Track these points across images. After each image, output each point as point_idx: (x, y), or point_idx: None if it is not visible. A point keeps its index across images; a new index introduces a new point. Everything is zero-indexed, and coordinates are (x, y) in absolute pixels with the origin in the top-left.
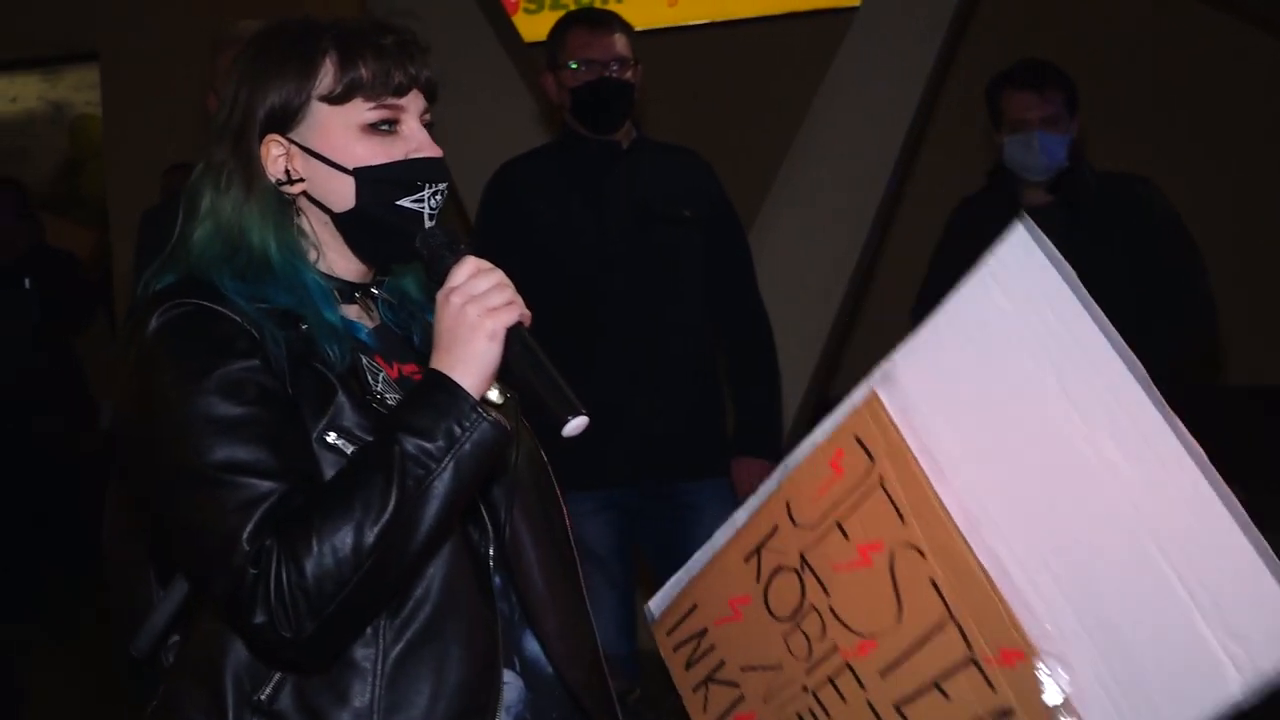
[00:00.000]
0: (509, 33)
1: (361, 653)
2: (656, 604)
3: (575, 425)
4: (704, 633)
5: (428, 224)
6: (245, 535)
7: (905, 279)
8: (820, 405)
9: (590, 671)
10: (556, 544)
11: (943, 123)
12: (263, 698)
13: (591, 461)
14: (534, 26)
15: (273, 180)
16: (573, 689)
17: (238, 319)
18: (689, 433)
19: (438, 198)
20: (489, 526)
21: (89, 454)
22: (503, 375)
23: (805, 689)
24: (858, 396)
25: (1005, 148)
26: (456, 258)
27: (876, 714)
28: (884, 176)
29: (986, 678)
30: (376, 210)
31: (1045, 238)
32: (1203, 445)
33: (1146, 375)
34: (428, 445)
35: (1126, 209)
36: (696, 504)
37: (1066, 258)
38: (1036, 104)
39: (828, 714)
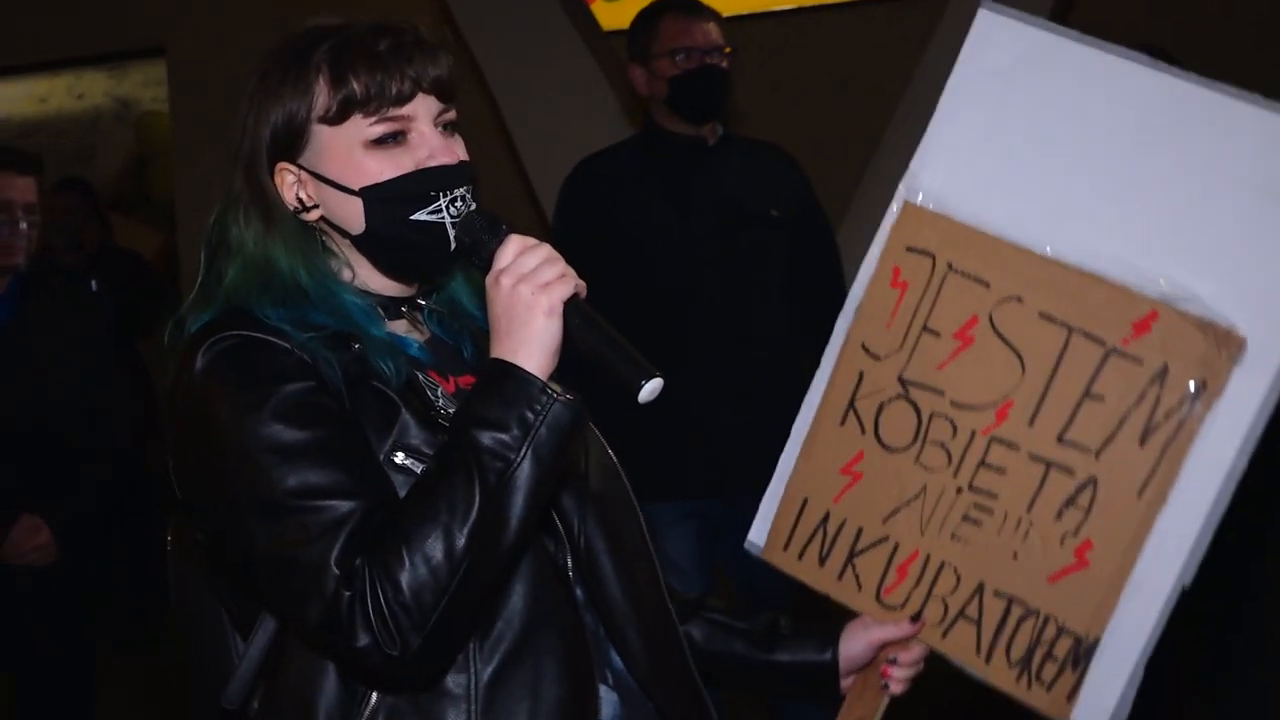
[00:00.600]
0: (587, 21)
1: (454, 679)
2: (756, 533)
3: (651, 389)
4: (826, 517)
5: (452, 234)
6: (334, 558)
7: None
8: None
9: (678, 684)
10: (634, 553)
11: None
12: None
13: (673, 472)
14: (612, 15)
15: (290, 209)
16: (659, 704)
17: (287, 345)
18: (775, 442)
19: (458, 204)
20: (564, 537)
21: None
22: (567, 349)
23: (960, 490)
24: (891, 217)
25: None
26: (499, 239)
27: (1043, 460)
28: None
29: (1129, 357)
30: (389, 229)
31: (1008, 8)
32: None
33: (1138, 53)
34: (503, 436)
35: None
36: None
37: None
38: None
39: (993, 495)
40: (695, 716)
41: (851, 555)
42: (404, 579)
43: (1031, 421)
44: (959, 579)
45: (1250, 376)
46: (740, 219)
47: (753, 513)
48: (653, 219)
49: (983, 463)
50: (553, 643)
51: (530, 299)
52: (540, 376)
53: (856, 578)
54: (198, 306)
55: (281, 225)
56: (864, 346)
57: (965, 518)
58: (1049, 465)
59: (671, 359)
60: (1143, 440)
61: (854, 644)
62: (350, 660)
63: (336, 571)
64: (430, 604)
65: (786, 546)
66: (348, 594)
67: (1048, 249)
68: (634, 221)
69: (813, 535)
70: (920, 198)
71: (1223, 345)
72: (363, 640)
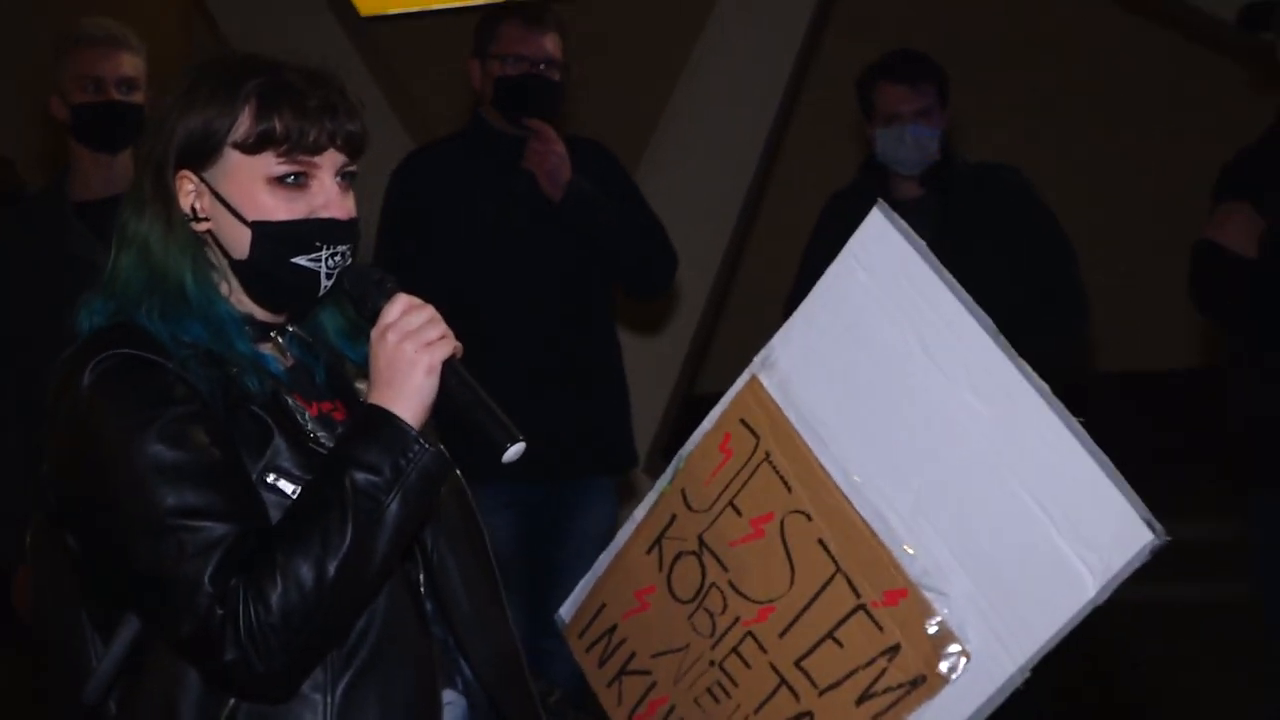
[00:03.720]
0: (345, 7)
1: (311, 685)
2: (566, 609)
3: (514, 451)
4: (614, 629)
5: (324, 283)
6: (208, 577)
7: (774, 270)
8: (687, 403)
9: (518, 690)
10: (479, 569)
11: (814, 99)
12: None
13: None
14: (372, 1)
15: (184, 215)
16: (502, 708)
17: (170, 365)
18: (591, 428)
19: (337, 259)
20: (417, 554)
21: None
22: (440, 406)
23: (712, 663)
24: (740, 384)
25: (877, 141)
26: (387, 295)
27: (779, 673)
28: (751, 163)
29: (874, 620)
30: (269, 265)
31: (899, 218)
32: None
33: (995, 328)
34: (375, 479)
35: (997, 199)
36: (582, 503)
37: (938, 250)
38: (909, 97)
39: (734, 682)
40: (531, 717)
41: (622, 672)
42: (275, 602)
43: (783, 634)
44: None
45: (960, 693)
46: (560, 216)
47: (580, 496)
48: (474, 211)
49: (735, 649)
50: (402, 655)
51: (413, 356)
52: (415, 427)
53: (620, 693)
54: (97, 294)
55: (178, 229)
56: (683, 492)
57: (708, 690)
58: (782, 681)
59: (490, 346)
60: (859, 701)
61: None
62: (217, 674)
63: (210, 589)
64: (297, 626)
65: (581, 635)
66: (220, 611)
67: (848, 482)
68: (456, 213)
69: (600, 638)
70: (766, 379)
71: (945, 654)
72: (230, 655)
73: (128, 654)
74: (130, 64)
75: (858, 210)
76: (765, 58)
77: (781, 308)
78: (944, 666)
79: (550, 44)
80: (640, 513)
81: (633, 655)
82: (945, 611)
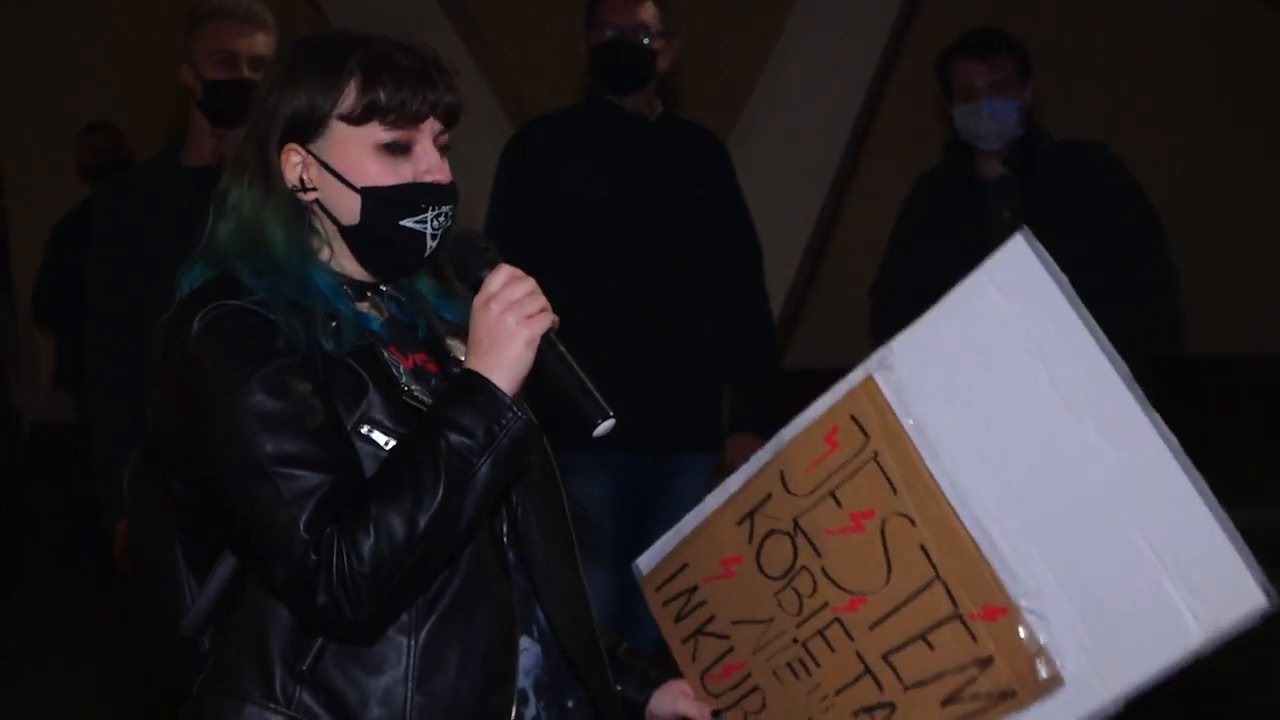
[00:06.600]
0: None
1: (396, 629)
2: (645, 561)
3: (605, 427)
4: (695, 589)
5: (430, 244)
6: (302, 523)
7: (861, 253)
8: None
9: (587, 640)
10: (557, 521)
11: (902, 81)
12: (305, 668)
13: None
14: None
15: (289, 186)
16: (572, 656)
17: (273, 318)
18: (693, 405)
19: (441, 219)
20: (501, 507)
21: None
22: (535, 377)
23: (795, 640)
24: (854, 379)
25: (956, 118)
26: (490, 265)
27: (864, 662)
28: (839, 144)
29: (970, 630)
30: (379, 228)
31: (1042, 247)
32: (1169, 413)
33: (1129, 373)
34: (469, 442)
35: (1084, 177)
36: (678, 477)
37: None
38: (983, 71)
39: (816, 663)
40: (599, 668)
41: (699, 631)
42: (367, 552)
43: (872, 627)
44: (764, 707)
45: (1048, 714)
46: (672, 194)
47: (678, 469)
48: (591, 186)
49: (821, 632)
50: (483, 602)
51: (514, 328)
52: (509, 395)
53: (695, 651)
54: (196, 259)
55: (277, 198)
56: (781, 474)
57: (788, 664)
58: (867, 670)
59: (596, 317)
60: (944, 703)
61: (664, 702)
62: (309, 616)
63: (305, 535)
64: (386, 576)
65: (659, 589)
66: (314, 558)
67: (956, 495)
68: (573, 188)
69: (679, 595)
70: (882, 379)
71: (1040, 674)
72: (322, 599)
73: (224, 590)
74: (264, 43)
75: (943, 192)
76: (855, 37)
77: (868, 289)
78: (1037, 686)
79: (646, 14)
80: (734, 484)
81: (712, 618)
82: (1044, 634)
